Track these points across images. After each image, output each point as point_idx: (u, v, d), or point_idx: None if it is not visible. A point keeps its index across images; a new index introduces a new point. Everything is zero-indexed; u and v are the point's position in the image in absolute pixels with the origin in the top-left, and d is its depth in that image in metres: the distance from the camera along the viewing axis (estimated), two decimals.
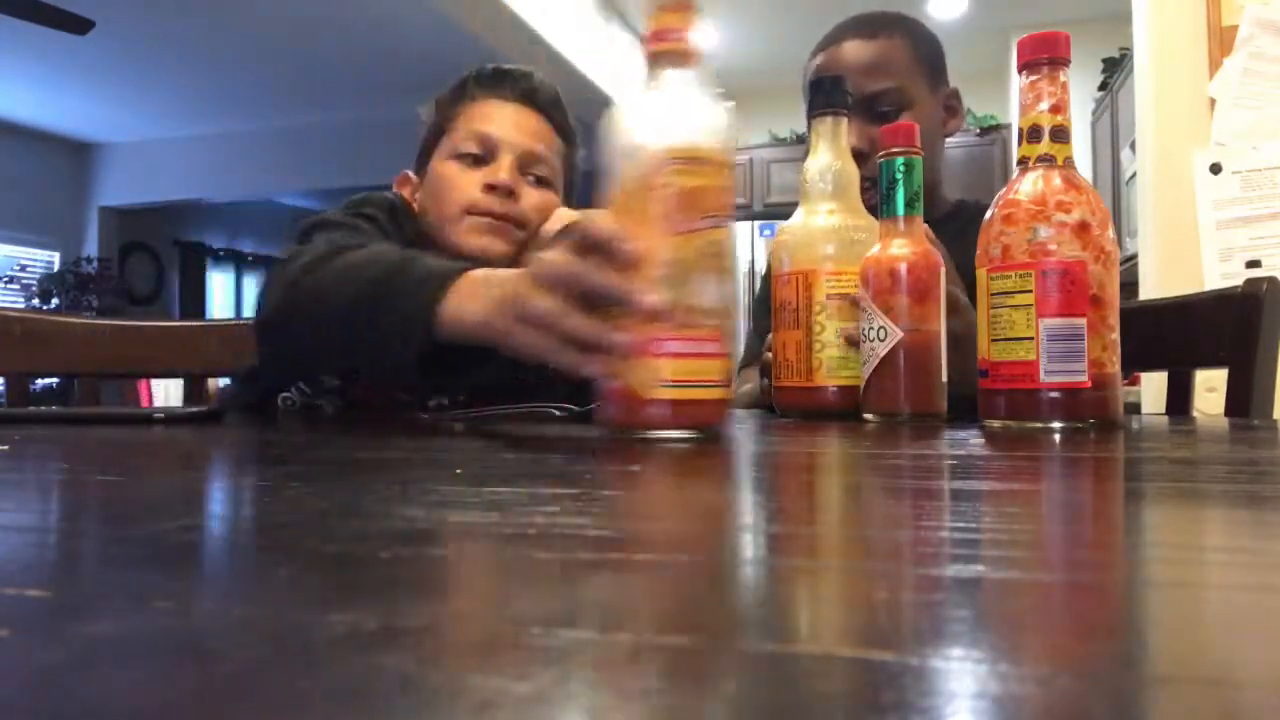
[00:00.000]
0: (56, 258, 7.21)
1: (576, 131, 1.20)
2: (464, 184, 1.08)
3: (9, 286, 6.92)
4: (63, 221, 7.28)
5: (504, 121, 1.11)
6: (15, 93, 6.35)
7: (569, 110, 1.19)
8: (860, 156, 1.10)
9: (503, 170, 1.09)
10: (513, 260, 1.07)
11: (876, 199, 1.13)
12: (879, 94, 1.13)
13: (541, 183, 1.13)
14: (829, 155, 0.85)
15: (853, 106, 1.11)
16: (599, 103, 5.75)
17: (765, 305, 1.31)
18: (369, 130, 6.83)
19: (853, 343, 0.79)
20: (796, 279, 0.82)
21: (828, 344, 0.80)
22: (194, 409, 0.85)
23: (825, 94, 0.86)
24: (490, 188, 1.07)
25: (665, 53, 0.60)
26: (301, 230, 0.99)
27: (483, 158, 1.10)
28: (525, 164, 1.11)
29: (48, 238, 7.20)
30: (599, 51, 4.87)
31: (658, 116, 0.59)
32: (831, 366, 0.80)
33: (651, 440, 0.56)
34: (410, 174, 1.19)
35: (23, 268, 7.06)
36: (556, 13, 4.33)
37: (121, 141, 7.37)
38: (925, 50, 1.18)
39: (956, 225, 1.07)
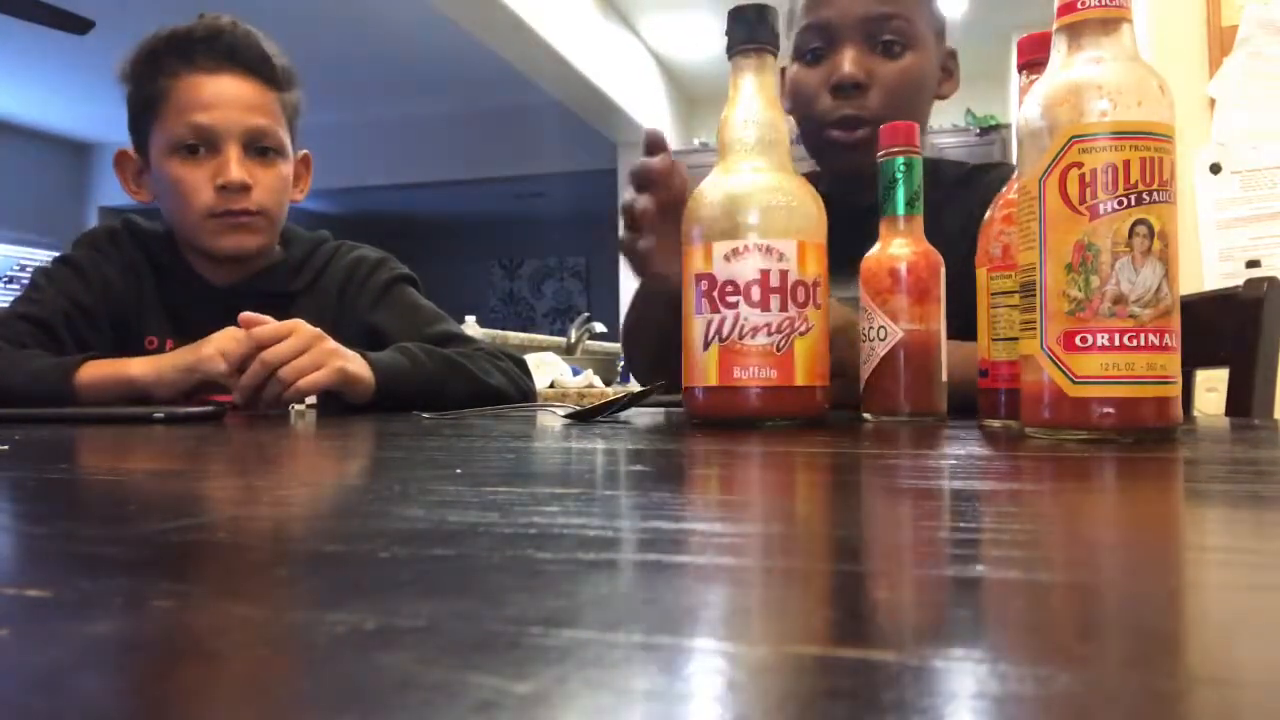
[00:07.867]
0: None
1: (289, 69, 1.10)
2: (194, 185, 1.03)
3: (9, 286, 6.93)
4: (63, 221, 7.27)
5: (217, 102, 1.03)
6: (15, 93, 6.35)
7: (274, 50, 1.09)
8: (854, 88, 0.96)
9: (232, 165, 1.03)
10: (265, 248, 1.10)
11: (839, 163, 1.01)
12: (884, 18, 0.95)
13: (271, 154, 1.07)
14: (753, 102, 0.68)
15: (849, 28, 0.96)
16: (599, 103, 5.70)
17: None
18: (370, 131, 6.84)
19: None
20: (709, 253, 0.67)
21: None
22: (194, 409, 0.85)
23: (748, 26, 0.67)
24: (223, 188, 1.03)
25: (1085, 21, 0.52)
26: None
27: (206, 146, 1.04)
28: (251, 141, 1.05)
29: (48, 238, 7.20)
30: (599, 51, 4.86)
31: (1074, 90, 0.52)
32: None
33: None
34: (130, 153, 1.12)
35: (22, 268, 7.06)
36: (556, 13, 4.32)
37: (121, 141, 7.35)
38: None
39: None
